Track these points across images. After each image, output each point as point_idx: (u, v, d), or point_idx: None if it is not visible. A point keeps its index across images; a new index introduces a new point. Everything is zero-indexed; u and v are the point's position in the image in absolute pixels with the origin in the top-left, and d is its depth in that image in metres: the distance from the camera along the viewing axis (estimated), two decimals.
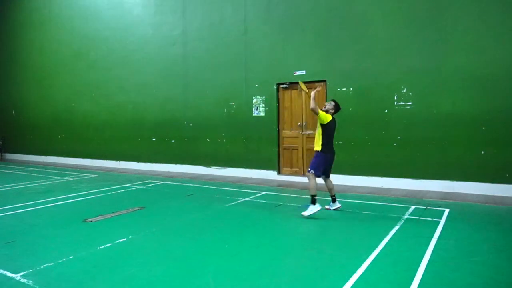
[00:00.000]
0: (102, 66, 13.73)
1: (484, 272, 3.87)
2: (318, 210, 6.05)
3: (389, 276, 3.79)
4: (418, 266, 4.02)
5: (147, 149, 12.74)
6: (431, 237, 5.00)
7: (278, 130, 10.21)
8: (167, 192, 8.70)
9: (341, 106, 6.51)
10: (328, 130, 6.25)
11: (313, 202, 6.03)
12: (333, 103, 6.42)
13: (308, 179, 6.16)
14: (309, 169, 6.22)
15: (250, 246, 4.85)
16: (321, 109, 6.27)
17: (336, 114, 6.45)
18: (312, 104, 6.03)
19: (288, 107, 10.07)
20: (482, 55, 7.64)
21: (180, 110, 11.88)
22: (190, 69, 11.62)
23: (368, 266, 4.05)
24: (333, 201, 6.57)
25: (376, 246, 4.64)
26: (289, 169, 10.14)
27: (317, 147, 6.27)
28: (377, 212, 6.35)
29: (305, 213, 6.03)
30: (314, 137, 9.64)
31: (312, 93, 6.11)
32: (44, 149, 16.02)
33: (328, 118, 6.19)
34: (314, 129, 9.61)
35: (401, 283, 3.62)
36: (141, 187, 9.38)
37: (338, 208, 6.53)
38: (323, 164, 6.27)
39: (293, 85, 9.90)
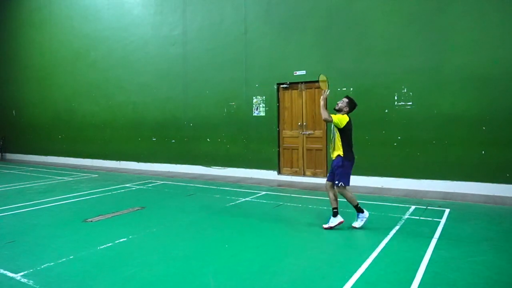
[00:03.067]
0: (102, 66, 13.73)
1: (484, 272, 3.87)
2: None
3: (390, 276, 3.79)
4: (419, 266, 4.02)
5: (147, 149, 12.74)
6: (432, 237, 5.00)
7: (278, 130, 10.20)
8: (167, 192, 8.70)
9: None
10: (346, 133, 5.35)
11: (361, 210, 5.41)
12: (346, 100, 5.46)
13: (343, 194, 5.33)
14: (337, 182, 5.28)
15: (250, 246, 4.85)
16: (334, 108, 5.51)
17: (351, 112, 5.52)
18: (323, 114, 5.24)
19: (288, 107, 10.06)
20: (482, 55, 7.64)
21: (180, 110, 11.88)
22: (190, 69, 11.62)
23: (368, 266, 4.05)
24: (335, 214, 5.46)
25: (376, 246, 4.64)
26: (289, 169, 10.14)
27: (339, 152, 5.37)
28: (377, 212, 6.34)
29: (356, 225, 5.38)
30: (315, 137, 9.82)
31: (322, 102, 5.30)
32: (44, 149, 16.02)
33: (344, 120, 5.29)
34: (314, 129, 9.65)
35: (401, 283, 3.62)
36: (141, 187, 9.38)
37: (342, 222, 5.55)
38: (350, 173, 5.41)
39: (293, 85, 9.90)
